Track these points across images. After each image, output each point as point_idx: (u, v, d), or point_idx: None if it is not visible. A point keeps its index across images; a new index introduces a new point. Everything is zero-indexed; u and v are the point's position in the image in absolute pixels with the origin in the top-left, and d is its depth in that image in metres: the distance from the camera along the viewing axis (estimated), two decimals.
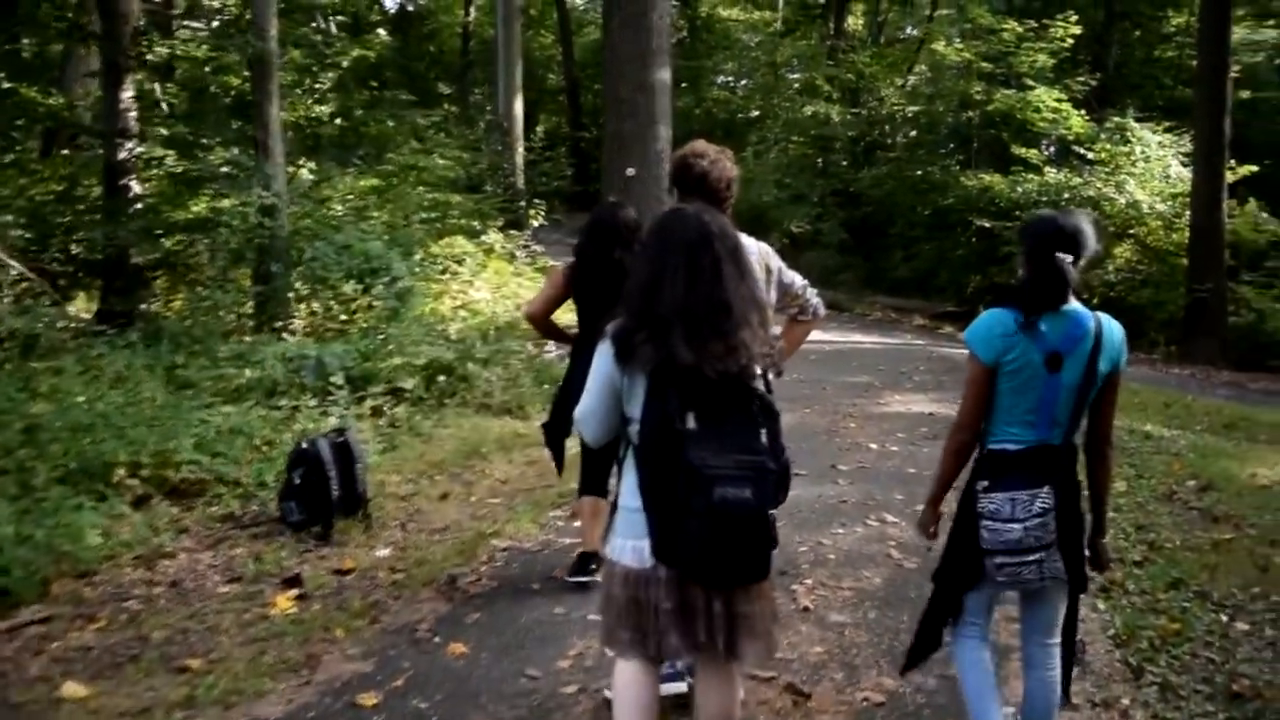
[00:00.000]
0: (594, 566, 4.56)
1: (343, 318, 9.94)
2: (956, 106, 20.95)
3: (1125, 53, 25.01)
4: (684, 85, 32.98)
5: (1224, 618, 4.54)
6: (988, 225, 18.53)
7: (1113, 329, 2.87)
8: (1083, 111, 19.25)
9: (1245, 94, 20.80)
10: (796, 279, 3.82)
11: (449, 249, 12.58)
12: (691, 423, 2.40)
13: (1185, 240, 16.64)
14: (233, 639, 4.14)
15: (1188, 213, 16.60)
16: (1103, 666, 4.00)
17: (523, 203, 17.37)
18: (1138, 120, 18.71)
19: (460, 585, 4.76)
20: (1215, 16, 16.07)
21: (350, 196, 12.65)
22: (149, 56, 11.11)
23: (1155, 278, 17.32)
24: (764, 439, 2.46)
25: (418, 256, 10.97)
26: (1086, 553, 2.95)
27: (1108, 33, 23.84)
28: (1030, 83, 19.14)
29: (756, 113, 29.57)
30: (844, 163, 25.60)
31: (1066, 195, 18.00)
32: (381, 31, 14.03)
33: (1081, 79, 20.16)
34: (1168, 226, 17.47)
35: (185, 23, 11.15)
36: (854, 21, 32.72)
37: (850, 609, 4.54)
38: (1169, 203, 17.52)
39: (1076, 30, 19.52)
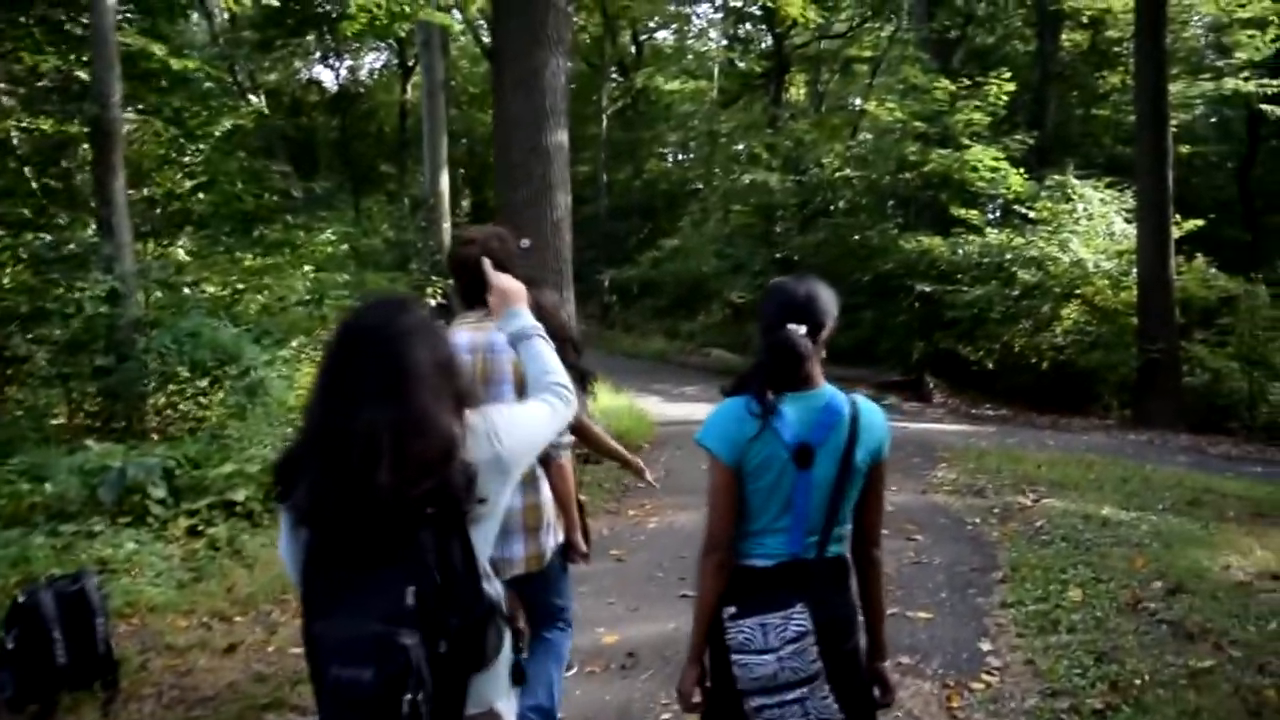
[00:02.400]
0: None
1: (199, 416, 8.75)
2: (894, 169, 20.33)
3: (1062, 112, 24.76)
4: (621, 156, 32.74)
5: None
6: (928, 290, 17.80)
7: (872, 413, 2.53)
8: (1022, 170, 18.68)
9: (1185, 149, 20.43)
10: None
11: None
12: (320, 581, 1.95)
13: (1134, 299, 15.99)
14: None
15: (1135, 270, 15.95)
16: None
17: (450, 281, 16.30)
18: (1078, 177, 18.14)
19: None
20: (1152, 67, 15.58)
21: (233, 279, 11.53)
22: None
23: (1105, 339, 16.62)
24: (409, 600, 1.87)
25: (294, 343, 9.79)
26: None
27: (1043, 91, 23.53)
28: (966, 142, 18.53)
29: (697, 185, 29.09)
30: (787, 230, 25.06)
31: (1009, 256, 17.40)
32: (254, 98, 12.93)
33: (1019, 138, 19.67)
34: (1115, 285, 16.85)
35: (17, 89, 10.08)
36: (795, 92, 32.69)
37: None
38: (1115, 260, 16.92)
39: (1010, 88, 19.01)
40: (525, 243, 9.89)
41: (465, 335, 3.19)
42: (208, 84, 10.99)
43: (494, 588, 2.08)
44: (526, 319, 2.43)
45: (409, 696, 1.83)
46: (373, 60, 37.28)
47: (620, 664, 4.74)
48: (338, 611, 1.88)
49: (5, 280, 10.43)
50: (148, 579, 5.62)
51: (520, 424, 2.15)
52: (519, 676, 2.21)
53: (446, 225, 20.92)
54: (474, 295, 3.20)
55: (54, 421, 8.97)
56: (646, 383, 16.60)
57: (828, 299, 2.52)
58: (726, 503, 2.47)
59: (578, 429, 4.42)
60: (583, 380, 4.71)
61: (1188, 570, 6.02)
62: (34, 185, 10.51)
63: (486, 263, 2.71)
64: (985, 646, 4.87)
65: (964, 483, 9.19)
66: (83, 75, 9.63)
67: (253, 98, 13.72)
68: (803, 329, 2.43)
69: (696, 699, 2.52)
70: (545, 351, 2.37)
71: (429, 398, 1.94)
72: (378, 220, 25.66)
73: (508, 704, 2.16)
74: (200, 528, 6.39)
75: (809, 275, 2.62)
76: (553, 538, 3.42)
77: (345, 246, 12.80)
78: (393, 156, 33.72)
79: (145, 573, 5.68)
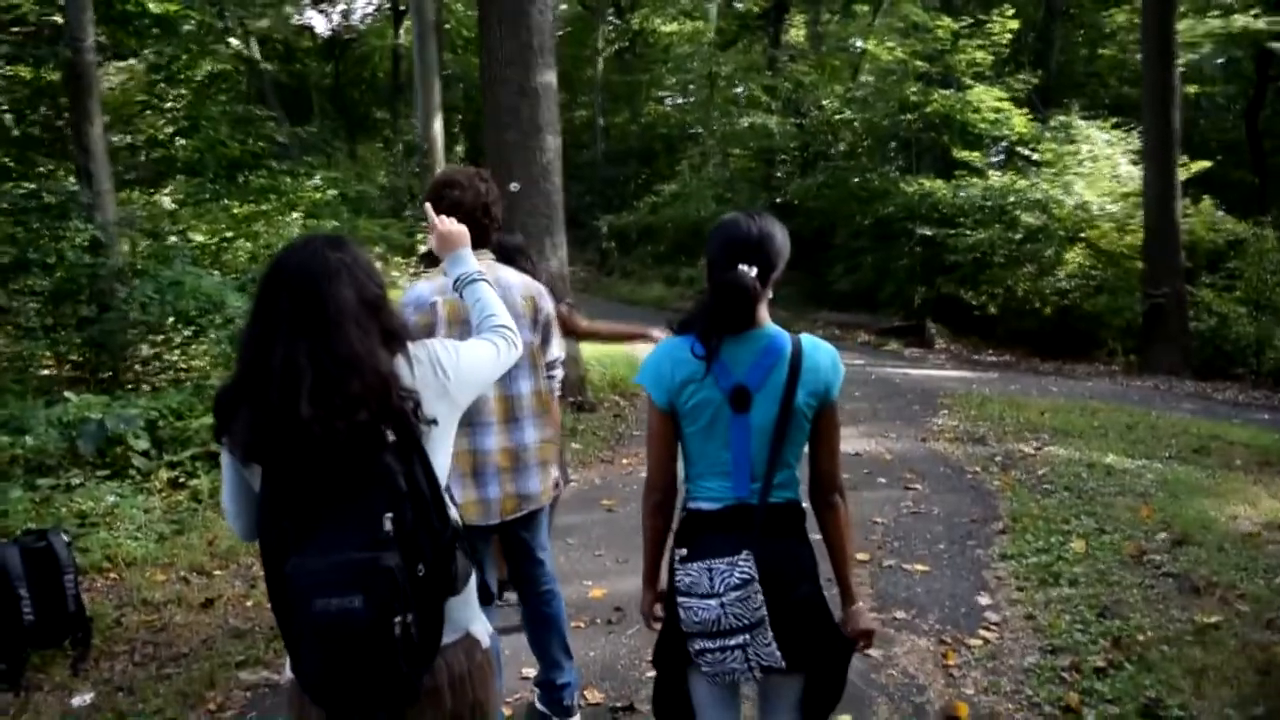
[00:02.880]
0: None
1: (183, 366, 8.59)
2: (895, 110, 19.95)
3: (1068, 51, 24.27)
4: (618, 100, 32.29)
5: None
6: (930, 234, 17.53)
7: (818, 352, 2.40)
8: (1025, 111, 18.31)
9: (1192, 89, 20.03)
10: (556, 348, 3.47)
11: None
12: (288, 520, 1.92)
13: (1139, 242, 15.74)
14: None
15: (1140, 213, 15.67)
16: None
17: None
18: (1083, 118, 17.79)
19: None
20: (1158, 3, 15.17)
21: (221, 227, 11.30)
22: None
23: (1110, 283, 16.37)
24: (387, 526, 1.89)
25: None
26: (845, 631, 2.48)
27: (1049, 30, 23.05)
28: (969, 82, 18.14)
29: (696, 129, 28.64)
30: (788, 174, 24.70)
31: (1012, 198, 17.11)
32: (234, 41, 12.50)
33: (1023, 78, 19.24)
34: (1120, 228, 16.56)
35: None
36: (795, 33, 32.08)
37: None
38: (1120, 203, 16.62)
39: (1014, 25, 18.61)
40: (514, 186, 9.78)
41: (443, 279, 3.08)
42: (187, 27, 10.66)
43: (454, 513, 2.10)
44: (469, 262, 2.48)
45: (399, 619, 1.86)
46: (365, 4, 36.78)
47: (607, 618, 4.61)
48: (313, 546, 1.88)
49: None
50: (127, 532, 5.48)
51: (465, 358, 2.18)
52: (486, 596, 2.28)
53: (439, 171, 20.64)
54: None
55: (42, 373, 8.85)
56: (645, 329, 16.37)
57: (781, 238, 2.40)
58: (661, 445, 2.44)
59: (574, 331, 4.71)
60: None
61: (1194, 521, 5.87)
62: (15, 133, 10.24)
63: (428, 207, 2.70)
64: (984, 601, 4.72)
65: (965, 430, 9.02)
66: (58, 19, 9.33)
67: (234, 40, 13.25)
68: (754, 270, 2.31)
69: (660, 613, 2.53)
70: (488, 294, 2.42)
71: (353, 333, 1.94)
72: (373, 167, 25.38)
73: (482, 626, 2.18)
74: (182, 479, 6.25)
75: (762, 212, 2.48)
76: (533, 482, 3.36)
77: (334, 193, 12.52)
78: (387, 102, 33.24)
79: (125, 526, 5.54)
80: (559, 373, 3.57)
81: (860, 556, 5.37)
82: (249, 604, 4.75)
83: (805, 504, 2.45)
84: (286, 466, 1.92)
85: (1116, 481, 6.92)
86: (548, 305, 3.38)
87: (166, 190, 11.74)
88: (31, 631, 4.02)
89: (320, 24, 35.11)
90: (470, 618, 2.15)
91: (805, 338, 2.41)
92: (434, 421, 2.02)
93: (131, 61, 10.37)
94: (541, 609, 3.68)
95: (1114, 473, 7.21)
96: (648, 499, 2.52)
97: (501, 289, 3.09)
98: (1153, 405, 11.14)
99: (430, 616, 1.95)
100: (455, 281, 2.47)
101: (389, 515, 1.89)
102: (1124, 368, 15.47)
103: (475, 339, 2.31)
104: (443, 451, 2.09)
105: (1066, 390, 12.25)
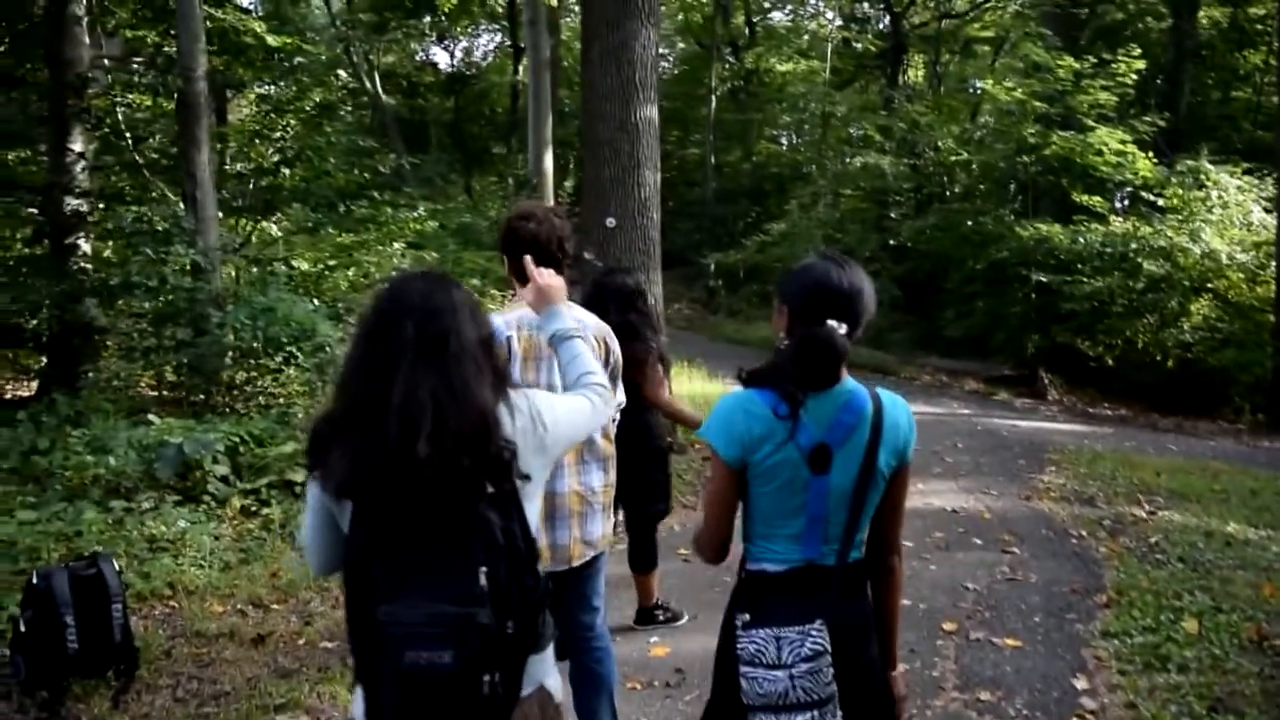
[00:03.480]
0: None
1: (274, 393, 8.65)
2: (1013, 151, 19.37)
3: (1198, 93, 23.31)
4: (730, 139, 32.25)
5: None
6: (1046, 280, 16.87)
7: (897, 410, 2.28)
8: (1151, 155, 17.55)
9: None
10: (620, 394, 3.27)
11: None
12: (379, 565, 1.87)
13: (1272, 294, 14.87)
14: None
15: (1273, 264, 14.83)
16: None
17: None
18: (1213, 163, 16.96)
19: None
20: None
21: (325, 255, 11.48)
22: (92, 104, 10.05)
23: (1238, 336, 15.51)
24: (483, 581, 1.84)
25: None
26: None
27: (1178, 72, 22.17)
28: (1091, 124, 17.47)
29: (808, 168, 28.37)
30: (902, 215, 24.23)
31: (1135, 245, 16.36)
32: (343, 73, 12.72)
33: (1149, 120, 18.47)
34: (1251, 279, 15.74)
35: (112, 63, 10.08)
36: (914, 74, 31.66)
37: None
38: (1251, 252, 15.79)
39: (1140, 65, 17.86)
40: (610, 221, 9.68)
41: (518, 311, 3.13)
42: (299, 60, 10.87)
43: (543, 569, 2.05)
44: (565, 319, 2.43)
45: (487, 676, 1.84)
46: (486, 42, 37.67)
47: (665, 680, 4.33)
48: (406, 595, 1.83)
49: (106, 253, 10.59)
50: (193, 559, 5.45)
51: (562, 412, 2.14)
52: (561, 650, 2.31)
53: (549, 204, 20.76)
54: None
55: (143, 394, 9.04)
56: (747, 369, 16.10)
57: (870, 294, 2.27)
58: (722, 506, 2.30)
59: (656, 403, 4.70)
60: (663, 362, 4.65)
61: None
62: (131, 159, 10.56)
63: (529, 260, 2.64)
64: (1080, 684, 4.30)
65: (1073, 489, 8.51)
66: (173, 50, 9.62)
67: (343, 73, 13.55)
68: (844, 327, 2.18)
69: None
70: (585, 352, 2.38)
71: (470, 371, 1.92)
72: (488, 200, 25.72)
73: (555, 681, 2.14)
74: (255, 508, 6.22)
75: (847, 259, 2.33)
76: (598, 526, 3.28)
77: (434, 224, 12.61)
78: (503, 138, 33.83)
79: (192, 552, 5.51)
80: (618, 417, 3.46)
81: (947, 626, 5.02)
82: (300, 642, 4.63)
83: None
84: (385, 507, 1.87)
85: (1237, 554, 6.38)
86: (617, 348, 3.29)
87: (275, 219, 11.98)
88: (75, 660, 3.96)
89: (443, 60, 36.08)
90: (546, 671, 2.10)
91: (884, 394, 2.30)
92: (528, 477, 1.98)
93: (245, 93, 10.60)
94: (593, 668, 3.47)
95: (1234, 543, 6.66)
96: (701, 554, 2.42)
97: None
98: None
99: (515, 673, 1.92)
100: (551, 337, 2.42)
101: (484, 570, 1.85)
102: (1250, 427, 14.58)
103: (572, 394, 2.27)
104: (533, 506, 2.05)
105: (1186, 449, 11.56)
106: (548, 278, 2.48)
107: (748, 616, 2.21)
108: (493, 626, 1.83)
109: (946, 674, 4.40)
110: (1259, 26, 22.23)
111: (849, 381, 2.25)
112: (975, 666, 4.48)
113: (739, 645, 2.19)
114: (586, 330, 3.08)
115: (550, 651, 2.10)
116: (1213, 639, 4.78)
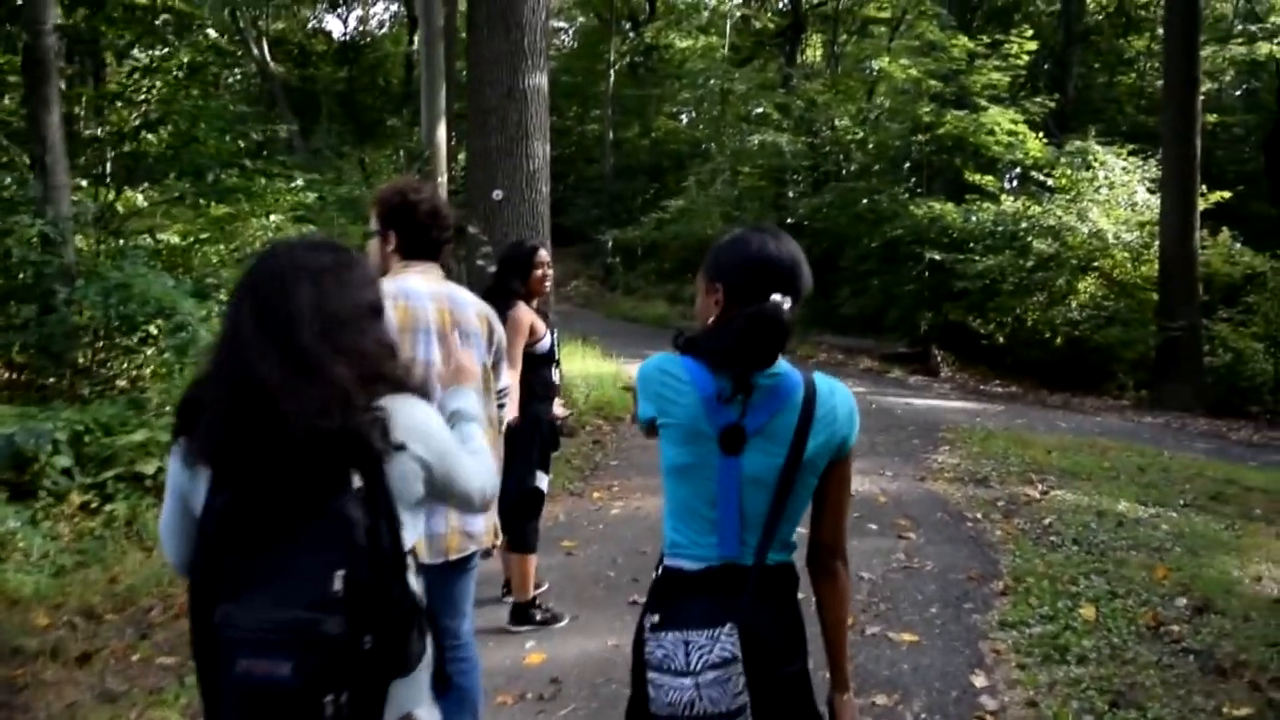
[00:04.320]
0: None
1: (131, 376, 8.04)
2: (908, 130, 19.46)
3: (1086, 76, 23.78)
4: (629, 114, 31.89)
5: None
6: (939, 258, 17.02)
7: (835, 399, 2.07)
8: (1041, 135, 17.78)
9: (1212, 118, 19.52)
10: (505, 376, 3.24)
11: None
12: (230, 554, 1.69)
13: (1155, 273, 15.20)
14: None
15: (1157, 243, 15.15)
16: None
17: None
18: (1100, 144, 17.24)
19: None
20: (1184, 25, 14.66)
21: (195, 228, 10.77)
22: None
23: (1123, 314, 15.86)
24: (337, 586, 1.61)
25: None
26: None
27: (1067, 54, 22.57)
28: (984, 104, 17.62)
29: (707, 145, 28.19)
30: (799, 194, 24.24)
31: (1025, 224, 16.60)
32: (211, 32, 11.98)
33: (1039, 101, 18.74)
34: (1135, 258, 16.08)
35: None
36: (811, 53, 31.68)
37: None
38: (1136, 232, 16.11)
39: (1032, 46, 18.12)
40: (498, 194, 9.24)
41: (423, 283, 2.99)
42: (164, 16, 10.12)
43: (418, 584, 1.87)
44: (473, 402, 2.30)
45: (331, 697, 1.61)
46: (381, 10, 36.62)
47: (540, 693, 3.96)
48: (250, 593, 1.64)
49: None
50: (18, 564, 4.90)
51: (451, 460, 1.94)
52: (442, 685, 1.98)
53: (443, 179, 20.14)
54: (416, 246, 3.02)
55: None
56: (641, 348, 15.81)
57: (806, 266, 2.11)
58: None
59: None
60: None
61: (1215, 583, 5.29)
62: None
63: (454, 338, 2.58)
64: (979, 681, 4.09)
65: (967, 469, 8.44)
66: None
67: (212, 32, 12.73)
68: (787, 301, 2.00)
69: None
70: (478, 435, 2.20)
71: (311, 341, 1.76)
72: (381, 174, 24.92)
73: (427, 712, 1.93)
74: (97, 504, 5.66)
75: (778, 229, 2.15)
76: (479, 519, 3.00)
77: (314, 196, 11.95)
78: (398, 109, 32.99)
79: (18, 556, 4.96)
80: (506, 402, 3.32)
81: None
82: (134, 658, 4.13)
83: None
84: (243, 481, 1.72)
85: (1129, 533, 6.32)
86: (500, 329, 3.17)
87: (142, 188, 11.22)
88: None
89: (336, 29, 34.98)
90: (415, 698, 1.87)
91: (823, 380, 2.09)
92: (402, 446, 1.79)
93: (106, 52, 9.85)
94: (458, 681, 3.13)
95: (1126, 523, 6.62)
96: None
97: (455, 305, 2.99)
98: (1165, 444, 10.55)
99: (369, 698, 1.70)
100: (451, 415, 2.23)
101: (341, 573, 1.64)
102: (1135, 403, 14.91)
103: (470, 466, 2.01)
104: (412, 514, 1.86)
105: (1075, 425, 11.66)
106: (467, 358, 2.39)
107: (657, 618, 2.02)
108: (343, 639, 1.62)
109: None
110: (1143, 12, 22.74)
111: (781, 363, 2.05)
112: (871, 666, 4.24)
113: (646, 649, 2.00)
114: (467, 306, 3.03)
115: (424, 676, 1.89)
116: (1110, 626, 4.65)
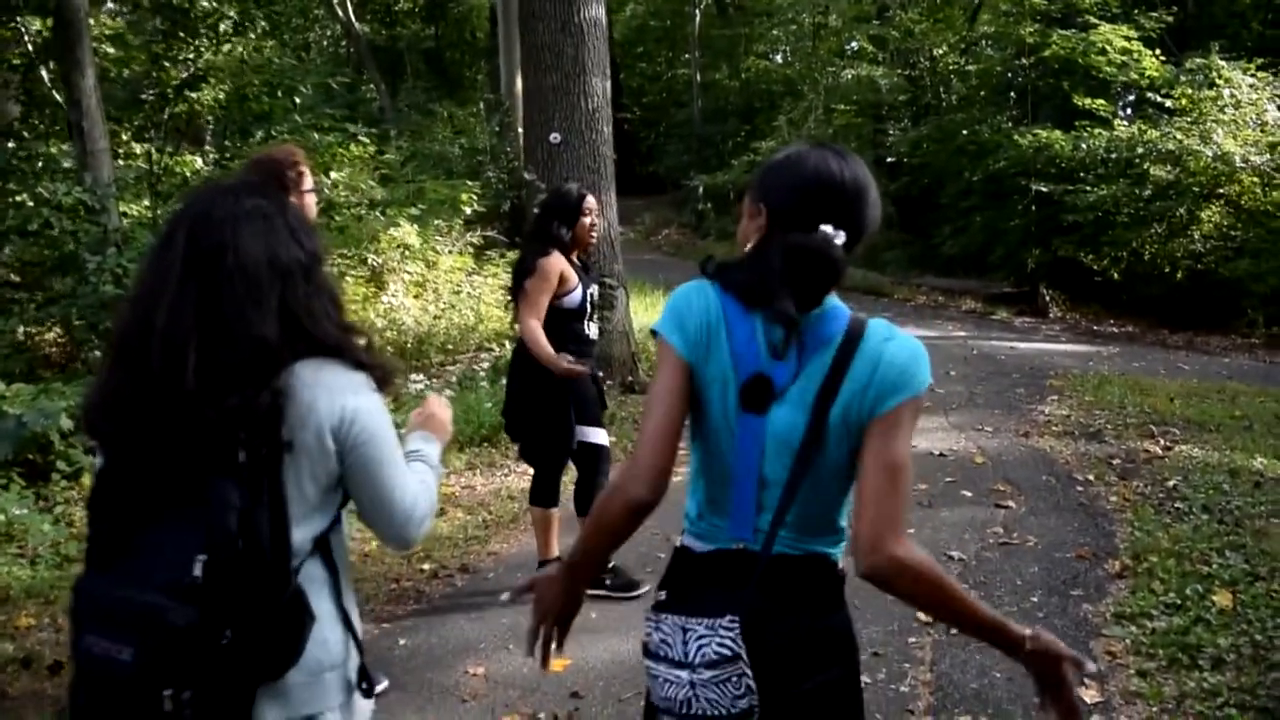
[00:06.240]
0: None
1: None
2: (1011, 55, 18.28)
3: None
4: (717, 56, 31.01)
5: None
6: (1047, 190, 15.91)
7: (886, 345, 1.68)
8: (1158, 53, 16.43)
9: None
10: None
11: (390, 244, 10.24)
12: (102, 528, 1.63)
13: None
14: None
15: None
16: None
17: (523, 191, 15.19)
18: (1224, 60, 15.82)
19: None
20: None
21: None
22: None
23: (1252, 245, 14.59)
24: (196, 572, 1.51)
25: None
26: None
27: None
28: (1094, 21, 16.33)
29: (800, 84, 27.21)
30: (898, 129, 23.19)
31: (1141, 150, 15.32)
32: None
33: (1155, 16, 17.29)
34: (1266, 183, 14.71)
35: None
36: None
37: None
38: (1267, 154, 14.70)
39: None
40: (555, 137, 8.65)
41: None
42: None
43: (326, 581, 1.74)
44: (436, 453, 2.03)
45: (170, 691, 1.51)
46: None
47: (554, 713, 3.39)
48: (112, 569, 1.59)
49: None
50: (14, 556, 4.55)
51: (378, 450, 1.74)
52: (369, 688, 1.79)
53: (521, 130, 19.74)
54: None
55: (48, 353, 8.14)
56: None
57: (875, 197, 1.78)
58: (660, 410, 1.71)
59: (522, 327, 4.37)
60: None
61: None
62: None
63: (431, 398, 2.23)
64: (1090, 695, 3.39)
65: (1077, 421, 7.63)
66: None
67: None
68: (841, 235, 1.70)
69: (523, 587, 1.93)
70: (432, 480, 1.95)
71: (243, 294, 1.63)
72: (466, 131, 24.72)
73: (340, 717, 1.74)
74: None
75: (846, 149, 1.81)
76: None
77: (372, 149, 11.52)
78: (484, 63, 32.84)
79: (20, 546, 4.62)
80: None
81: (923, 615, 4.07)
82: None
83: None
84: (128, 454, 1.61)
85: (1269, 497, 5.50)
86: None
87: (201, 150, 10.95)
88: None
89: None
90: (317, 701, 1.69)
91: (877, 324, 1.73)
92: (289, 444, 1.64)
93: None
94: None
95: (1264, 483, 5.79)
96: (615, 495, 1.73)
97: None
98: None
99: (220, 700, 1.56)
100: (410, 454, 1.98)
101: (201, 559, 1.53)
102: (1266, 341, 13.74)
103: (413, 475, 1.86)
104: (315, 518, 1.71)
105: (1200, 368, 10.65)
106: (444, 412, 2.13)
107: (663, 595, 1.77)
108: (191, 631, 1.51)
109: (918, 688, 3.50)
110: None
111: (828, 301, 1.73)
112: (956, 675, 3.57)
113: (645, 631, 1.75)
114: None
115: (332, 678, 1.71)
116: (1252, 618, 3.89)
